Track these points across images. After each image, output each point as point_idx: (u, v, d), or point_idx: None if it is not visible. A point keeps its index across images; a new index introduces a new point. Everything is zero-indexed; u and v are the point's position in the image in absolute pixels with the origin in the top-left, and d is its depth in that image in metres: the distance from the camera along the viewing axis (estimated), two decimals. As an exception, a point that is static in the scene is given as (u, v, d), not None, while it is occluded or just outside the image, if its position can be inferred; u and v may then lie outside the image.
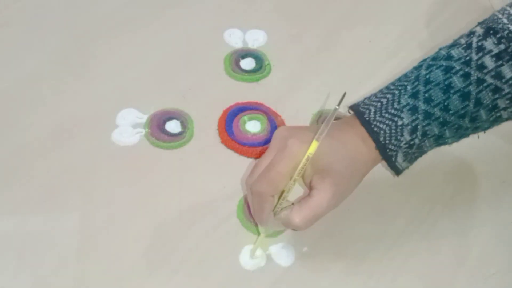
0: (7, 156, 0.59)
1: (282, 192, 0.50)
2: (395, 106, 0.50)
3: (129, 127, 0.63)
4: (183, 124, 0.63)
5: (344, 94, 0.50)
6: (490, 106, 0.49)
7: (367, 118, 0.51)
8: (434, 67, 0.50)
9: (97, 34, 0.73)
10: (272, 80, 0.69)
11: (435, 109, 0.49)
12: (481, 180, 0.61)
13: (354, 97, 0.68)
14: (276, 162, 0.48)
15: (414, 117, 0.49)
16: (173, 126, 0.63)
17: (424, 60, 0.52)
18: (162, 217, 0.56)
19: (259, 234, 0.54)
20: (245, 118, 0.63)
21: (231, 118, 0.64)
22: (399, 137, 0.50)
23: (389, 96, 0.51)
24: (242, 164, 0.61)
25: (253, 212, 0.52)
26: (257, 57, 0.71)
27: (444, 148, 0.64)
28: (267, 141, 0.62)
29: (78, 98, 0.65)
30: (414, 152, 0.51)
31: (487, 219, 0.58)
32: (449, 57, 0.50)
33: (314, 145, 0.48)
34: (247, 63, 0.70)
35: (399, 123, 0.50)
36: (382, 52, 0.74)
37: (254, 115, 0.64)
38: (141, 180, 0.58)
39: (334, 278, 0.53)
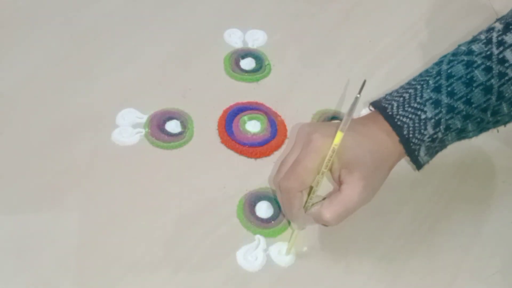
0: (7, 156, 0.59)
1: (311, 188, 0.50)
2: (418, 100, 0.50)
3: (129, 127, 0.63)
4: (183, 124, 0.63)
5: (364, 82, 0.50)
6: None
7: (390, 113, 0.51)
8: (455, 61, 0.50)
9: (97, 34, 0.73)
10: (272, 80, 0.69)
11: (458, 102, 0.49)
12: (481, 180, 0.61)
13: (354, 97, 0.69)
14: (302, 157, 0.48)
15: (437, 111, 0.49)
16: (173, 126, 0.63)
17: (444, 56, 0.52)
18: (162, 217, 0.56)
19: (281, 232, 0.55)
20: (245, 118, 0.63)
21: (231, 118, 0.64)
22: (422, 131, 0.50)
23: (411, 91, 0.51)
24: (242, 164, 0.61)
25: (283, 209, 0.52)
26: (257, 57, 0.71)
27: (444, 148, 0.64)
28: (267, 141, 0.62)
29: (78, 98, 0.65)
30: (436, 146, 0.51)
31: (487, 219, 0.58)
32: (470, 52, 0.50)
33: (338, 136, 0.47)
34: (247, 63, 0.70)
35: (422, 116, 0.50)
36: (382, 52, 0.74)
37: (254, 115, 0.64)
38: (141, 180, 0.58)
39: (334, 278, 0.53)
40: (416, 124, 0.50)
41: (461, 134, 0.51)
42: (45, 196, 0.56)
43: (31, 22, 0.74)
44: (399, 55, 0.74)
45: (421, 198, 0.59)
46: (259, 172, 0.60)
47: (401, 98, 0.51)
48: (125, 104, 0.64)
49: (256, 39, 0.74)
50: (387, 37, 0.76)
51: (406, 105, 0.50)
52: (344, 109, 0.67)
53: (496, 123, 0.52)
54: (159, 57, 0.71)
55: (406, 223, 0.57)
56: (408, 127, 0.50)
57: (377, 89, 0.69)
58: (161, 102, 0.65)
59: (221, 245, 0.54)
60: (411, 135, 0.50)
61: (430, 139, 0.50)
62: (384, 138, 0.50)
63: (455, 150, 0.64)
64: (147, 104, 0.65)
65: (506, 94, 0.49)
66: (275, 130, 0.63)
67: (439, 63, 0.52)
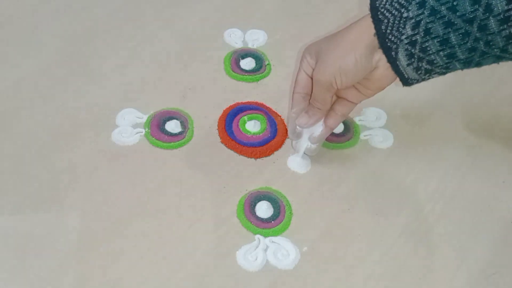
0: (7, 156, 0.59)
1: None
2: None
3: (129, 127, 0.63)
4: (183, 124, 0.63)
5: None
6: (502, 16, 0.45)
7: (377, 4, 0.50)
8: None
9: (97, 34, 0.73)
10: (272, 80, 0.69)
11: (442, 7, 0.47)
12: (481, 180, 0.61)
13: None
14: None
15: (419, 12, 0.48)
16: (173, 126, 0.63)
17: None
18: (162, 217, 0.56)
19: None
20: (245, 118, 0.63)
21: (231, 118, 0.64)
22: (401, 29, 0.48)
23: None
24: (242, 164, 0.61)
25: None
26: (257, 57, 0.71)
27: (444, 147, 0.64)
28: (267, 141, 0.62)
29: (78, 98, 0.65)
30: (420, 56, 0.49)
31: (487, 219, 0.58)
32: None
33: None
34: (247, 63, 0.70)
35: (404, 15, 0.48)
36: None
37: (254, 115, 0.64)
38: (141, 180, 0.58)
39: (334, 278, 0.53)
40: (396, 21, 0.48)
41: (445, 46, 0.48)
42: (45, 196, 0.56)
43: (31, 22, 0.74)
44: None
45: (421, 198, 0.59)
46: (259, 172, 0.60)
47: None
48: (125, 104, 0.65)
49: (256, 39, 0.74)
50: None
51: (395, 1, 0.49)
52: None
53: (488, 45, 0.48)
54: (159, 57, 0.71)
55: (406, 223, 0.57)
56: (388, 22, 0.49)
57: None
58: (161, 102, 0.65)
59: (221, 245, 0.54)
60: (388, 31, 0.49)
61: (408, 40, 0.48)
62: (360, 30, 0.50)
63: (455, 150, 0.64)
64: (147, 104, 0.65)
65: (495, 9, 0.45)
66: (275, 130, 0.63)
67: None
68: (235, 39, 0.74)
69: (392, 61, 0.50)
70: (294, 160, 0.61)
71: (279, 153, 0.62)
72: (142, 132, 0.62)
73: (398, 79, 0.52)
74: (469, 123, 0.67)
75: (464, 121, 0.67)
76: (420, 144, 0.64)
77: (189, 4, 0.78)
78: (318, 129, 0.57)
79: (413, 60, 0.49)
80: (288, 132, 0.61)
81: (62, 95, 0.65)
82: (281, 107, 0.66)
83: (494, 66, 0.74)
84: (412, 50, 0.49)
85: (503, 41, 0.47)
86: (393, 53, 0.49)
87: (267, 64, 0.71)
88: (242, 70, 0.70)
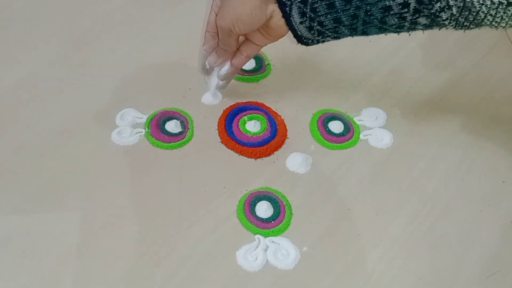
0: (7, 156, 0.59)
1: None
2: None
3: (129, 127, 0.62)
4: (183, 124, 0.63)
5: None
6: None
7: None
8: None
9: (97, 34, 0.73)
10: (272, 80, 0.69)
11: None
12: (481, 180, 0.61)
13: (354, 97, 0.69)
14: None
15: None
16: (173, 126, 0.63)
17: None
18: (162, 217, 0.56)
19: None
20: (245, 118, 0.63)
21: (231, 118, 0.64)
22: None
23: None
24: (242, 164, 0.61)
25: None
26: (257, 57, 0.71)
27: (444, 147, 0.64)
28: (267, 141, 0.62)
29: (78, 98, 0.65)
30: (311, 17, 0.53)
31: (487, 219, 0.58)
32: None
33: None
34: (247, 63, 0.70)
35: None
36: (382, 52, 0.74)
37: (254, 115, 0.64)
38: (141, 180, 0.58)
39: (334, 278, 0.53)
40: None
41: (331, 10, 0.52)
42: (45, 196, 0.56)
43: (31, 22, 0.74)
44: (399, 55, 0.74)
45: (420, 198, 0.59)
46: (259, 172, 0.60)
47: None
48: (125, 104, 0.64)
49: (256, 39, 0.74)
50: (387, 37, 0.76)
51: None
52: (344, 109, 0.67)
53: (367, 14, 0.52)
54: (159, 57, 0.71)
55: (406, 223, 0.57)
56: None
57: (377, 89, 0.70)
58: (161, 102, 0.65)
59: (221, 245, 0.54)
60: None
61: None
62: None
63: (455, 150, 0.64)
64: (147, 104, 0.65)
65: None
66: (275, 130, 0.63)
67: None
68: (235, 39, 0.74)
69: (287, 16, 0.54)
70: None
71: (279, 153, 0.62)
72: (142, 132, 0.62)
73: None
74: (469, 123, 0.67)
75: (464, 121, 0.67)
76: (420, 144, 0.64)
77: (189, 4, 0.78)
78: (225, 67, 0.62)
79: (305, 18, 0.53)
80: (198, 67, 0.64)
81: (61, 95, 0.65)
82: (281, 107, 0.66)
83: (493, 66, 0.74)
84: (304, 9, 0.53)
85: (380, 12, 0.51)
86: (287, 8, 0.53)
87: (267, 64, 0.71)
88: (242, 70, 0.69)
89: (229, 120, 0.63)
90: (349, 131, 0.64)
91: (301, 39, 0.56)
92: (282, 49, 0.73)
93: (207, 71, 0.64)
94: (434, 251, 0.55)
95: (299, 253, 0.54)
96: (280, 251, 0.54)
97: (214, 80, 0.65)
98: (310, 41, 0.56)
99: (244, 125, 0.63)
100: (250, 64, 0.70)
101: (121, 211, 0.56)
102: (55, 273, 0.51)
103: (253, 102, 0.66)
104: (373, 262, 0.54)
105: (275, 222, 0.56)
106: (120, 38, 0.73)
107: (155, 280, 0.52)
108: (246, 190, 0.58)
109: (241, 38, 0.60)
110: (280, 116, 0.65)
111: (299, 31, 0.55)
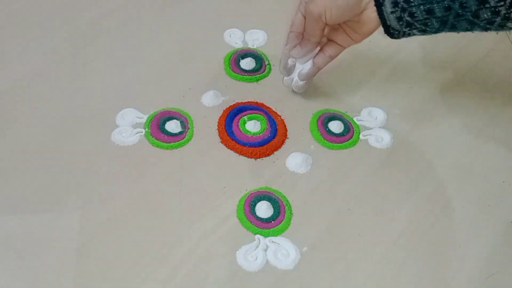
0: (6, 156, 0.59)
1: None
2: None
3: (129, 127, 0.63)
4: (183, 124, 0.63)
5: None
6: None
7: None
8: None
9: (97, 34, 0.73)
10: (272, 80, 0.69)
11: None
12: (481, 180, 0.61)
13: (354, 97, 0.69)
14: None
15: None
16: (173, 126, 0.63)
17: None
18: (162, 217, 0.56)
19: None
20: (245, 118, 0.63)
21: (231, 118, 0.64)
22: None
23: None
24: (242, 164, 0.61)
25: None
26: (257, 57, 0.71)
27: (443, 147, 0.64)
28: (267, 141, 0.62)
29: (78, 98, 0.65)
30: (404, 7, 0.53)
31: (487, 219, 0.58)
32: None
33: None
34: (247, 63, 0.70)
35: None
36: (382, 52, 0.74)
37: (254, 115, 0.64)
38: (141, 180, 0.58)
39: (334, 278, 0.53)
40: None
41: (425, 1, 0.52)
42: (45, 196, 0.56)
43: (31, 22, 0.74)
44: (399, 55, 0.74)
45: (421, 198, 0.59)
46: (259, 172, 0.60)
47: None
48: (125, 104, 0.64)
49: (256, 39, 0.74)
50: (387, 37, 0.76)
51: None
52: (344, 109, 0.67)
53: (462, 6, 0.51)
54: (159, 57, 0.71)
55: (406, 223, 0.57)
56: None
57: (377, 89, 0.70)
58: (161, 102, 0.65)
59: (221, 245, 0.54)
60: None
61: None
62: None
63: (455, 150, 0.64)
64: (147, 104, 0.65)
65: None
66: (275, 130, 0.63)
67: None
68: (235, 39, 0.74)
69: (379, 5, 0.54)
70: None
71: (279, 153, 0.62)
72: (142, 132, 0.62)
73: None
74: (469, 123, 0.67)
75: (464, 121, 0.67)
76: (420, 144, 0.64)
77: (189, 4, 0.78)
78: (307, 66, 0.63)
79: (397, 8, 0.54)
80: (280, 67, 0.65)
81: (61, 95, 0.65)
82: (281, 107, 0.66)
83: (493, 66, 0.74)
84: (398, 1, 0.53)
85: (475, 5, 0.51)
86: (381, 0, 0.53)
87: (267, 64, 0.71)
88: (242, 70, 0.69)
89: (229, 120, 0.63)
90: (349, 131, 0.64)
91: (388, 30, 0.56)
92: (282, 49, 0.73)
93: (289, 70, 0.64)
94: (434, 251, 0.55)
95: (299, 253, 0.54)
96: (280, 251, 0.54)
97: (292, 81, 0.65)
98: (397, 32, 0.56)
99: (244, 125, 0.63)
100: (250, 64, 0.70)
101: (121, 211, 0.56)
102: (55, 273, 0.51)
103: (253, 102, 0.66)
104: (373, 262, 0.54)
105: (275, 222, 0.56)
106: (120, 38, 0.73)
107: (155, 280, 0.52)
108: (246, 190, 0.58)
109: (324, 40, 0.61)
110: (280, 116, 0.65)
111: (389, 21, 0.55)
